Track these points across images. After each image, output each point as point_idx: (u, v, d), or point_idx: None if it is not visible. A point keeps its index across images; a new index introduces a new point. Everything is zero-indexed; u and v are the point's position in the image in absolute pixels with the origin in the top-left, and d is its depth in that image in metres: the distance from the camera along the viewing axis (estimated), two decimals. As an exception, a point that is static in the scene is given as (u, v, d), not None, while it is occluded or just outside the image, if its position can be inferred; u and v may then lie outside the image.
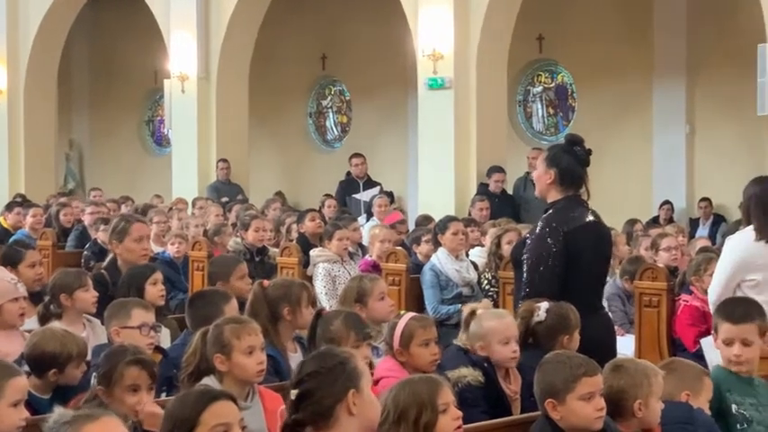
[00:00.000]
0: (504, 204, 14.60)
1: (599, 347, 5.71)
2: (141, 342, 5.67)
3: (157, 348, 6.05)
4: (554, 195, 6.41)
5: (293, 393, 4.04)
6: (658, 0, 18.01)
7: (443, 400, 4.24)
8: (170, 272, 10.42)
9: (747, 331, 5.65)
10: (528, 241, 6.36)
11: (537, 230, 6.32)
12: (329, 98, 22.95)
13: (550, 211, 6.37)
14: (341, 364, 4.06)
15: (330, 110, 22.94)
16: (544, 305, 5.87)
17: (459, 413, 4.29)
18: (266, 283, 6.40)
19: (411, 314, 5.85)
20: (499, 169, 15.01)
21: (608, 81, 18.40)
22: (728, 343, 5.56)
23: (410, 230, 12.37)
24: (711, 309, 6.55)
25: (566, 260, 6.15)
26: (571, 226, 6.23)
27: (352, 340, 5.48)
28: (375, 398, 4.11)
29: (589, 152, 6.42)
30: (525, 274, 6.24)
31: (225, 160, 17.78)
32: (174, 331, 7.03)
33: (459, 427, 4.28)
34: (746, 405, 5.40)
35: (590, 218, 6.39)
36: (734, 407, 5.36)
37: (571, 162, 6.37)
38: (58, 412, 3.45)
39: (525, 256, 6.26)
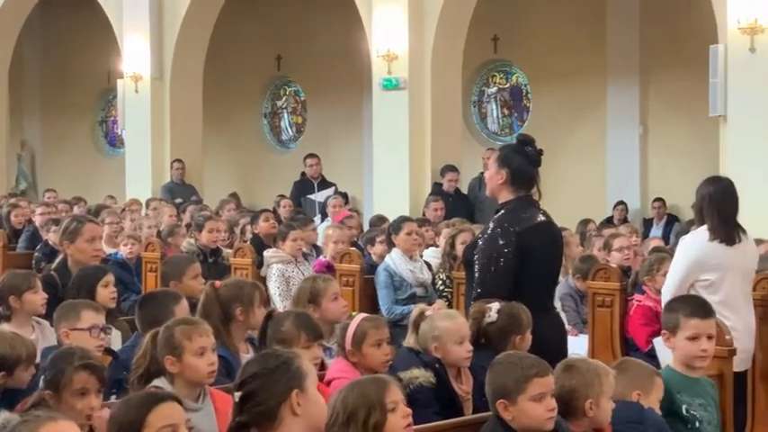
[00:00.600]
0: (459, 204, 14.63)
1: (550, 348, 5.72)
2: (91, 344, 5.62)
3: (107, 350, 6.00)
4: (505, 196, 6.41)
5: (236, 395, 4.01)
6: (612, 1, 18.10)
7: (392, 399, 4.22)
8: (123, 273, 10.34)
9: (712, 326, 5.76)
10: (480, 242, 6.36)
11: (488, 231, 6.32)
12: (284, 99, 22.91)
13: (502, 211, 6.38)
14: (284, 365, 4.02)
15: (285, 110, 22.90)
16: (495, 306, 5.87)
17: (409, 411, 4.27)
18: (218, 283, 6.36)
19: (363, 315, 5.84)
20: (452, 168, 15.04)
21: (562, 82, 18.47)
22: (695, 338, 5.59)
23: (365, 231, 12.35)
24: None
25: (517, 261, 6.16)
26: (522, 226, 6.23)
27: (302, 341, 5.45)
28: (321, 397, 4.08)
29: (540, 152, 6.43)
30: (477, 275, 6.24)
31: (179, 161, 17.70)
32: (125, 333, 6.97)
33: (408, 426, 4.26)
34: (695, 406, 5.43)
35: (541, 218, 6.39)
36: (684, 407, 5.38)
37: (522, 162, 6.38)
38: (4, 416, 3.40)
39: (477, 257, 6.26)
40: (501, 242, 6.18)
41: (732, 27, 12.49)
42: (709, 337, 5.68)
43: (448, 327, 5.61)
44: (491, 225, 6.35)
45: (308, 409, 3.98)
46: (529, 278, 6.16)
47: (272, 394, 3.96)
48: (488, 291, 6.15)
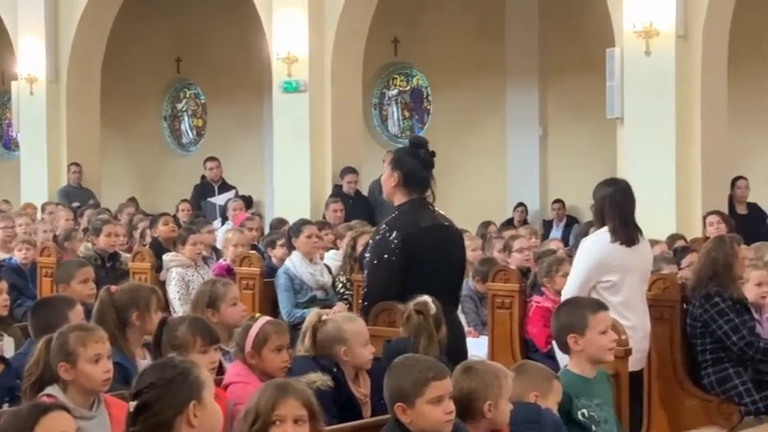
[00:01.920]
0: (359, 206, 14.62)
1: (449, 350, 5.74)
2: (-19, 352, 5.50)
3: (-1, 358, 5.87)
4: (399, 198, 6.42)
5: (132, 405, 3.93)
6: (510, 4, 18.25)
7: (279, 413, 4.14)
8: (17, 279, 10.20)
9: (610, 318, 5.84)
10: (370, 244, 6.36)
11: (377, 234, 6.33)
12: (184, 101, 22.74)
13: (392, 214, 6.39)
14: (181, 375, 3.95)
15: (185, 113, 22.72)
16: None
17: (291, 430, 4.14)
18: (113, 288, 6.26)
19: (267, 318, 5.78)
20: (352, 170, 15.05)
21: (462, 84, 18.57)
22: (605, 332, 5.64)
23: (266, 233, 12.30)
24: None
25: (403, 264, 6.16)
26: (411, 229, 6.24)
27: (198, 346, 5.38)
28: (218, 408, 4.02)
29: (433, 155, 6.44)
30: (365, 278, 6.24)
31: (76, 164, 17.46)
32: (18, 340, 6.85)
33: None
34: (593, 406, 5.47)
35: (435, 221, 6.39)
36: (584, 412, 5.41)
37: (415, 165, 6.39)
38: None
39: (366, 260, 6.27)
40: (387, 245, 6.20)
41: (628, 30, 12.67)
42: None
43: (355, 329, 5.60)
44: (380, 228, 6.36)
45: (205, 420, 3.92)
46: (419, 281, 6.16)
47: (169, 405, 3.89)
48: (375, 293, 6.15)
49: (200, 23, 20.98)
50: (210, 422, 3.95)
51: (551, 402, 5.15)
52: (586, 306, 5.81)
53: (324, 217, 13.67)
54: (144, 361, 5.99)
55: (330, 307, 9.21)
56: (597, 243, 7.37)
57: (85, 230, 12.33)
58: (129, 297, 6.18)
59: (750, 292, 7.92)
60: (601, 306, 5.83)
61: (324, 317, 5.68)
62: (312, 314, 5.75)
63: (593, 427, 5.41)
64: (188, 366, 4.02)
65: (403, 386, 4.52)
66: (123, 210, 14.94)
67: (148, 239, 11.87)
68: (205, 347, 5.41)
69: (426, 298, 5.79)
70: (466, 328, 9.13)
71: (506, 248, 10.09)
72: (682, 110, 12.48)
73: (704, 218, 11.78)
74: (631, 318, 7.21)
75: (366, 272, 6.27)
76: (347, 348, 5.55)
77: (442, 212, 6.70)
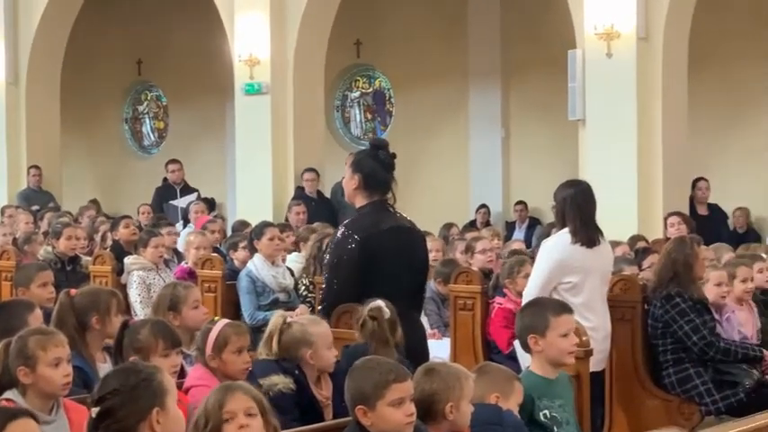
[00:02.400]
0: (322, 208, 14.61)
1: (410, 352, 5.74)
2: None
3: (-43, 363, 5.81)
4: (360, 200, 6.43)
5: (94, 411, 3.90)
6: (472, 6, 18.28)
7: (229, 409, 4.17)
8: (-24, 282, 10.11)
9: (574, 321, 5.83)
10: (330, 246, 6.37)
11: (338, 235, 6.33)
12: (145, 104, 22.64)
13: (353, 216, 6.39)
14: (144, 381, 3.92)
15: (146, 115, 22.62)
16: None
17: (245, 422, 4.18)
18: (73, 291, 6.22)
19: (226, 320, 5.76)
20: (310, 169, 15.03)
21: (425, 86, 18.59)
22: (566, 335, 5.64)
23: (228, 236, 12.26)
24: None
25: (364, 265, 6.15)
26: (371, 231, 6.24)
27: (160, 349, 5.35)
28: (180, 413, 4.01)
29: (393, 156, 6.44)
30: (325, 280, 6.24)
31: (36, 167, 17.35)
32: (-24, 344, 6.76)
33: None
34: (555, 407, 5.48)
35: (396, 223, 6.39)
36: (546, 413, 5.42)
37: (375, 167, 6.39)
38: None
39: (325, 262, 6.27)
40: (346, 247, 6.20)
41: (589, 32, 12.72)
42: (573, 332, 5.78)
43: (321, 332, 5.59)
44: (339, 230, 6.37)
45: (168, 426, 3.90)
46: (379, 283, 6.16)
47: (132, 412, 3.86)
48: (334, 294, 6.16)
49: (162, 26, 20.89)
50: (173, 428, 3.94)
51: (513, 404, 5.15)
52: (550, 308, 5.80)
53: (286, 219, 13.64)
54: (104, 365, 5.97)
55: (292, 309, 9.21)
56: (558, 244, 7.39)
57: (45, 234, 12.24)
58: (89, 300, 6.14)
59: (710, 292, 7.98)
60: (565, 309, 5.80)
61: (288, 319, 5.66)
62: (276, 317, 5.72)
63: (555, 428, 5.42)
64: (151, 372, 4.00)
65: (364, 388, 4.51)
66: (84, 213, 14.84)
67: (109, 242, 11.80)
68: (167, 351, 5.39)
69: (380, 303, 5.78)
70: (428, 330, 9.18)
71: (469, 250, 10.11)
72: (643, 111, 12.55)
73: (665, 219, 11.84)
74: (592, 319, 7.25)
75: (325, 275, 6.27)
76: (312, 351, 5.54)
77: (404, 214, 6.70)
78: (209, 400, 4.23)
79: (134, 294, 9.95)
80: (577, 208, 7.35)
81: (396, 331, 5.72)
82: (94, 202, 18.20)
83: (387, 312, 5.74)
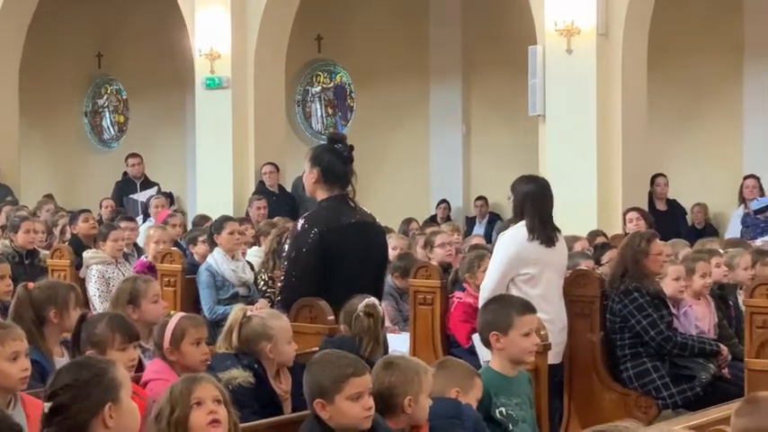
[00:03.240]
0: (283, 203, 14.60)
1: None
2: None
3: None
4: (321, 194, 6.44)
5: (46, 406, 3.87)
6: (434, 3, 18.30)
7: (197, 396, 4.19)
8: (-67, 276, 10.00)
9: (537, 321, 5.86)
10: (289, 239, 6.37)
11: (297, 229, 6.34)
12: (105, 97, 22.52)
13: (312, 210, 6.40)
14: (96, 377, 3.88)
15: (106, 109, 22.50)
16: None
17: (213, 408, 4.21)
18: (31, 285, 6.19)
19: (182, 313, 5.76)
20: (271, 164, 15.00)
21: (386, 81, 18.59)
22: (528, 334, 5.65)
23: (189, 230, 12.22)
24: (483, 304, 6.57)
25: (323, 259, 6.16)
26: (329, 225, 6.25)
27: (117, 343, 5.33)
28: (135, 407, 3.97)
29: (351, 149, 6.45)
30: (283, 274, 6.24)
31: (-6, 161, 17.22)
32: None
33: (213, 421, 4.20)
34: (513, 405, 5.49)
35: (356, 217, 6.40)
36: (502, 411, 5.44)
37: (333, 160, 6.40)
38: None
39: (284, 255, 6.27)
40: (306, 240, 6.21)
41: (549, 29, 12.77)
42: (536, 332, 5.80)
43: (282, 326, 5.59)
44: (298, 224, 6.37)
45: (121, 421, 3.87)
46: (338, 277, 6.17)
47: (84, 408, 3.82)
48: (291, 287, 6.17)
49: (122, 19, 20.78)
50: (127, 422, 3.91)
51: (472, 399, 5.17)
52: (514, 306, 5.79)
53: (247, 214, 13.62)
54: (62, 359, 5.93)
55: (252, 303, 9.21)
56: (515, 237, 7.43)
57: (3, 227, 12.15)
58: (47, 294, 6.10)
59: (668, 286, 8.03)
60: (529, 308, 5.79)
61: (248, 313, 5.66)
62: (237, 311, 5.71)
63: (511, 426, 5.43)
64: (104, 367, 3.96)
65: (322, 382, 4.52)
66: (42, 206, 14.74)
67: (68, 236, 11.74)
68: (124, 345, 5.36)
69: (374, 300, 5.81)
70: (387, 324, 9.19)
71: (428, 244, 10.12)
72: (603, 107, 12.61)
73: (624, 214, 11.89)
74: (549, 311, 7.30)
75: (284, 268, 6.27)
76: (272, 345, 5.53)
77: (365, 209, 6.71)
78: (173, 389, 4.22)
79: (93, 288, 9.91)
80: (537, 205, 7.39)
81: (384, 328, 5.76)
82: (50, 196, 18.08)
83: (380, 311, 5.78)
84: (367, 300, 5.82)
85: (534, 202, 7.40)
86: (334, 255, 6.17)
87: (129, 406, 3.92)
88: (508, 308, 5.75)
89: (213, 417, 4.21)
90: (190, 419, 4.17)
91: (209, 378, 4.36)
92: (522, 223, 7.39)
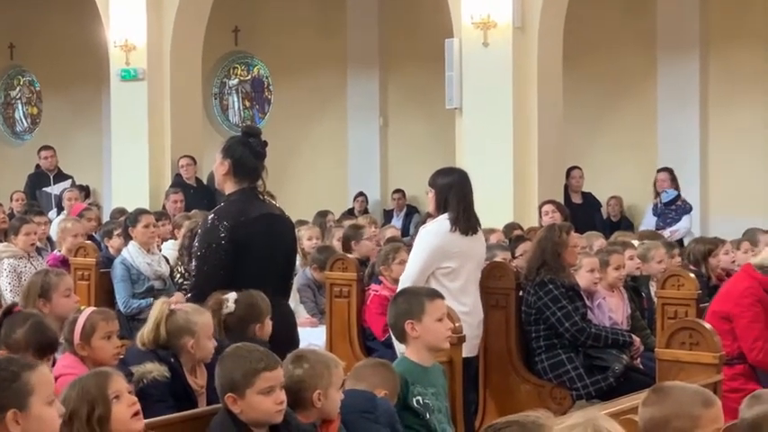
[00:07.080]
0: (200, 196, 14.48)
1: (280, 339, 5.73)
2: None
3: None
4: (230, 187, 6.40)
5: None
6: (351, -6, 18.31)
7: (114, 389, 4.13)
8: None
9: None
10: (198, 233, 6.33)
11: (206, 223, 6.29)
12: (18, 89, 22.23)
13: (221, 204, 6.36)
14: (5, 381, 3.64)
15: (19, 101, 22.21)
16: (232, 296, 5.83)
17: (134, 399, 4.17)
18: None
19: (92, 308, 5.69)
20: (187, 157, 14.89)
21: (304, 74, 18.56)
22: (441, 319, 5.67)
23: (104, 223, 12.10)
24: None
25: (229, 254, 6.12)
26: (238, 219, 6.21)
27: (29, 358, 5.19)
28: (50, 412, 3.71)
29: (265, 144, 6.41)
30: (194, 268, 6.20)
31: None
32: None
33: (136, 414, 4.15)
34: (429, 395, 5.51)
35: (264, 210, 6.37)
36: (418, 399, 5.45)
37: (245, 154, 6.36)
38: None
39: (194, 249, 6.22)
40: (215, 234, 6.17)
41: (466, 22, 12.82)
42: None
43: (204, 322, 5.53)
44: (208, 217, 6.33)
45: (30, 428, 3.64)
46: (248, 271, 6.13)
47: None
48: (201, 283, 6.13)
49: (34, 9, 20.51)
50: (37, 429, 3.68)
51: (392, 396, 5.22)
52: (423, 293, 5.84)
53: (164, 207, 13.50)
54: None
55: (168, 297, 9.13)
56: (438, 230, 7.41)
57: None
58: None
59: (582, 278, 8.11)
60: (437, 294, 5.87)
61: (172, 306, 5.59)
62: (160, 304, 5.60)
63: (428, 415, 5.45)
64: (15, 371, 3.70)
65: (233, 377, 4.49)
66: (-46, 200, 14.52)
67: (-21, 230, 11.56)
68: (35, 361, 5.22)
69: (230, 296, 5.79)
70: (306, 317, 9.18)
71: (353, 238, 10.01)
72: (519, 100, 12.69)
73: (540, 207, 11.97)
74: (468, 303, 7.33)
75: (194, 262, 6.22)
76: (194, 341, 5.47)
77: (274, 202, 6.68)
78: (85, 387, 4.12)
79: (4, 283, 9.77)
80: (459, 197, 7.39)
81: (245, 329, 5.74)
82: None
83: (231, 307, 5.77)
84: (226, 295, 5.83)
85: (457, 193, 7.41)
86: (243, 248, 6.13)
87: (41, 412, 3.67)
88: (418, 295, 5.80)
89: (135, 408, 4.15)
90: (113, 415, 4.10)
91: (116, 371, 4.32)
92: (445, 216, 7.38)
